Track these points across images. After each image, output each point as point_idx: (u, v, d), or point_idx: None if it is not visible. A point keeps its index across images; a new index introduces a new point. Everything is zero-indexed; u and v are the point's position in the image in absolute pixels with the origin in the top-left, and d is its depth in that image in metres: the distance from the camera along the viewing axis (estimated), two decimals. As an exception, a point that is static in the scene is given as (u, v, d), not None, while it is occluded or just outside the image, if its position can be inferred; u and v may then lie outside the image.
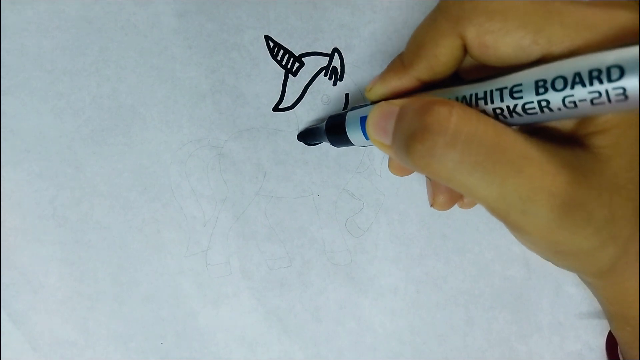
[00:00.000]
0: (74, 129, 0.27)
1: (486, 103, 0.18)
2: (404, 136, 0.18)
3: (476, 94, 0.18)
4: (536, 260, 0.30)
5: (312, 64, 0.28)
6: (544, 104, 0.16)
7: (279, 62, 0.28)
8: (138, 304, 0.28)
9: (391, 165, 0.25)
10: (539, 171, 0.17)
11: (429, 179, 0.26)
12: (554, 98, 0.16)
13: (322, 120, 0.28)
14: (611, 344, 0.29)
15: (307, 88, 0.28)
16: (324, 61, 0.28)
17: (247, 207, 0.28)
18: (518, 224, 0.18)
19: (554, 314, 0.30)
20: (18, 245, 0.27)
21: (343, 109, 0.29)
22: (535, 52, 0.17)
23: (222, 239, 0.28)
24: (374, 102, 0.22)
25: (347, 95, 0.29)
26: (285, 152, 0.28)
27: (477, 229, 0.30)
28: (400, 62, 0.21)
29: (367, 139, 0.23)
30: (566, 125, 0.19)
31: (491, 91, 0.17)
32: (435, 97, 0.19)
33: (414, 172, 0.25)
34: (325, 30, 0.28)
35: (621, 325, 0.24)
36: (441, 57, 0.19)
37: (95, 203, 0.27)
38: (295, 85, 0.28)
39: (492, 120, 0.17)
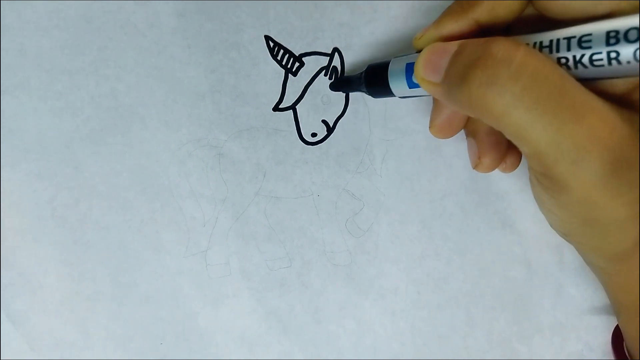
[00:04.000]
0: (72, 128, 0.27)
1: (551, 52, 0.17)
2: (461, 66, 0.18)
3: (541, 42, 0.18)
4: (537, 260, 0.30)
5: (312, 64, 0.28)
6: (613, 55, 0.16)
7: (279, 62, 0.28)
8: (137, 305, 0.27)
9: (433, 125, 0.24)
10: (599, 121, 0.16)
11: (472, 139, 0.25)
12: (625, 50, 0.15)
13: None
14: (617, 340, 0.29)
15: (307, 88, 0.28)
16: (324, 61, 0.28)
17: (246, 208, 0.28)
18: (563, 176, 0.17)
19: (555, 315, 0.30)
20: (17, 246, 0.26)
21: (343, 109, 0.28)
22: (604, 5, 0.17)
23: (222, 239, 0.28)
24: (419, 52, 0.21)
25: (347, 94, 0.28)
26: (285, 152, 0.28)
27: (478, 229, 0.30)
28: (458, 6, 0.21)
29: (410, 87, 0.22)
30: (619, 88, 0.19)
31: (558, 40, 0.17)
32: None
33: (455, 135, 0.24)
34: (326, 29, 0.28)
35: (631, 318, 0.23)
36: None
37: (94, 203, 0.27)
38: (295, 85, 0.28)
39: (557, 65, 0.17)
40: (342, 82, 0.28)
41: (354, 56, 0.28)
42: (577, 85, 0.17)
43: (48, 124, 0.26)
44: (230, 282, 0.28)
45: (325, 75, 0.28)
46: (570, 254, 0.29)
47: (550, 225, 0.22)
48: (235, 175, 0.28)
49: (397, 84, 0.23)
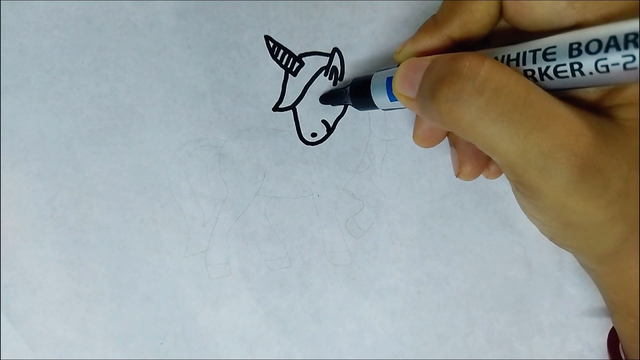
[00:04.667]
0: (72, 128, 0.27)
1: (518, 64, 0.18)
2: (432, 83, 0.18)
3: (509, 55, 0.18)
4: (537, 260, 0.30)
5: (312, 64, 0.28)
6: (576, 67, 0.16)
7: (279, 62, 0.28)
8: (137, 305, 0.27)
9: (416, 135, 0.25)
10: (564, 129, 0.17)
11: (454, 148, 0.25)
12: (587, 61, 0.16)
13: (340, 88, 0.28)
14: (613, 342, 0.29)
15: (307, 88, 0.28)
16: (324, 61, 0.28)
17: (246, 208, 0.28)
18: (534, 183, 0.17)
19: (555, 315, 0.30)
20: (17, 246, 0.26)
21: (343, 109, 0.28)
22: (570, 16, 0.17)
23: (222, 240, 0.28)
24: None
25: (347, 94, 0.28)
26: (285, 152, 0.28)
27: (478, 229, 0.30)
28: (433, 21, 0.21)
29: (391, 100, 0.23)
30: (592, 95, 0.19)
31: (524, 53, 0.17)
32: None
33: (438, 144, 0.25)
34: (326, 29, 0.28)
35: (624, 318, 0.23)
36: (476, 12, 0.19)
37: (94, 203, 0.27)
38: (295, 85, 0.28)
39: (522, 77, 0.17)
40: (330, 95, 0.28)
41: (354, 56, 0.28)
42: (544, 95, 0.17)
43: (48, 124, 0.26)
44: (230, 282, 0.28)
45: (325, 75, 0.28)
46: (570, 254, 0.29)
47: (539, 230, 0.22)
48: (235, 175, 0.28)
49: (379, 98, 0.24)
